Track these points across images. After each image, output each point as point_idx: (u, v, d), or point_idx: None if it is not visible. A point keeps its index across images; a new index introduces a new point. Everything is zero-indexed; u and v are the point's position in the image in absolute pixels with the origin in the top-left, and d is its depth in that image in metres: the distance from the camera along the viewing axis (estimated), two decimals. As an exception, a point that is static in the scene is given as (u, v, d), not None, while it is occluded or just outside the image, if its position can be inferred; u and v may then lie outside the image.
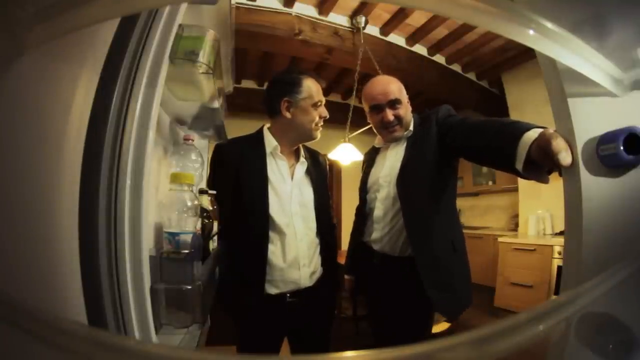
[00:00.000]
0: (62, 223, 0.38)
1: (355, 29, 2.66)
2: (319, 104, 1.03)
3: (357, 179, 1.34)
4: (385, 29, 2.81)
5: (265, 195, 0.98)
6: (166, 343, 0.64)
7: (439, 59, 3.28)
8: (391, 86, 1.12)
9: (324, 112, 1.04)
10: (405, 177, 1.09)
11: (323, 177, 1.18)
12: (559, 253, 2.71)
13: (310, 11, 2.53)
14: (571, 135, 0.49)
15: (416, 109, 1.21)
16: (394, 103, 1.11)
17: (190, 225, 0.71)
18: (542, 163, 0.61)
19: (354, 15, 2.63)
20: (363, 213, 1.25)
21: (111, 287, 0.45)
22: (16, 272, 0.31)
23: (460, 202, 3.96)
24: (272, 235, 0.97)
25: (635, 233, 0.43)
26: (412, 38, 2.95)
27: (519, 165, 0.67)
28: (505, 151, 0.70)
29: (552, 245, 2.78)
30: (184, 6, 0.56)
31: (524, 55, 3.08)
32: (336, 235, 1.24)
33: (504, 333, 0.22)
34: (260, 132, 1.08)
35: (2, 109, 0.30)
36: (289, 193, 1.02)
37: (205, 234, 0.86)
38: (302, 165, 1.08)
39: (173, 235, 0.66)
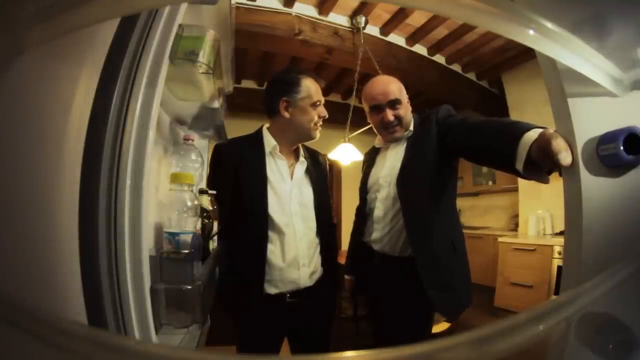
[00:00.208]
0: (62, 223, 0.38)
1: (355, 29, 2.66)
2: (318, 103, 1.03)
3: (357, 179, 1.34)
4: (385, 29, 2.81)
5: (265, 194, 0.98)
6: (166, 343, 0.64)
7: (439, 59, 3.28)
8: (391, 86, 1.12)
9: (323, 112, 1.04)
10: (405, 177, 1.09)
11: (323, 177, 1.18)
12: (559, 253, 2.71)
13: (310, 11, 2.53)
14: (571, 135, 0.49)
15: (416, 109, 1.21)
16: (394, 103, 1.11)
17: (190, 225, 0.71)
18: (542, 163, 0.61)
19: (354, 15, 2.63)
20: (363, 213, 1.25)
21: (111, 287, 0.45)
22: (16, 272, 0.31)
23: (460, 202, 3.96)
24: (272, 234, 0.97)
25: (635, 233, 0.43)
26: (412, 38, 2.95)
27: (519, 166, 0.67)
28: (505, 151, 0.70)
29: (552, 245, 2.78)
30: (184, 6, 0.56)
31: (524, 55, 3.08)
32: (336, 235, 1.24)
33: (504, 333, 0.22)
34: (259, 132, 1.08)
35: (2, 109, 0.30)
36: (288, 192, 1.02)
37: (205, 234, 0.85)
38: (301, 165, 1.08)
39: (173, 235, 0.66)
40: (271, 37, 2.42)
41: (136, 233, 0.46)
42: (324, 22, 2.59)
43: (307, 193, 1.07)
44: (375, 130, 1.22)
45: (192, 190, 0.75)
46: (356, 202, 1.32)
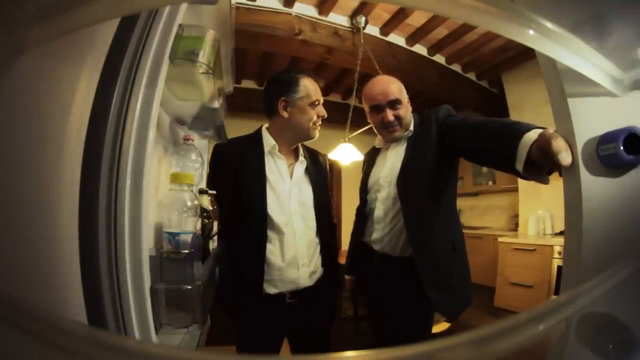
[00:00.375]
0: (62, 223, 0.38)
1: (355, 29, 2.66)
2: (317, 103, 1.02)
3: (357, 179, 1.34)
4: (385, 29, 2.81)
5: (264, 194, 0.98)
6: (166, 343, 0.64)
7: (439, 59, 3.28)
8: (391, 86, 1.12)
9: (322, 112, 1.04)
10: (405, 177, 1.09)
11: (323, 177, 1.18)
12: (559, 253, 2.71)
13: (310, 11, 2.53)
14: (571, 135, 0.49)
15: (416, 109, 1.21)
16: (394, 103, 1.11)
17: (190, 225, 0.71)
18: (542, 163, 0.61)
19: (354, 15, 2.63)
20: (363, 213, 1.25)
21: (111, 287, 0.45)
22: (16, 272, 0.31)
23: (460, 202, 3.96)
24: (271, 234, 0.97)
25: (635, 233, 0.43)
26: (412, 38, 2.95)
27: (519, 166, 0.67)
28: (505, 152, 0.70)
29: (552, 245, 2.78)
30: (184, 6, 0.56)
31: (524, 55, 3.08)
32: (337, 235, 1.24)
33: (504, 333, 0.22)
34: (258, 132, 1.08)
35: (2, 109, 0.30)
36: (287, 192, 1.02)
37: (205, 234, 0.85)
38: (301, 165, 1.08)
39: (173, 235, 0.66)
40: (271, 37, 2.42)
41: (136, 233, 0.46)
42: (324, 22, 2.59)
43: (307, 192, 1.07)
44: (375, 130, 1.22)
45: (192, 190, 0.75)
46: (356, 202, 1.32)
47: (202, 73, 0.66)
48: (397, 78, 1.18)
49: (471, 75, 3.65)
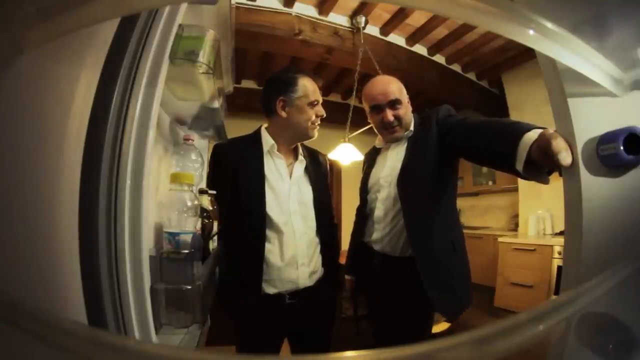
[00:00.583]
0: (62, 223, 0.38)
1: (355, 29, 2.66)
2: (316, 102, 1.02)
3: (357, 179, 1.34)
4: (385, 29, 2.81)
5: (262, 193, 0.98)
6: (166, 343, 0.64)
7: (439, 59, 3.28)
8: (391, 86, 1.12)
9: (321, 111, 1.04)
10: (405, 177, 1.09)
11: (323, 176, 1.18)
12: (559, 253, 2.71)
13: (310, 11, 2.53)
14: (571, 135, 0.49)
15: (416, 109, 1.21)
16: (394, 103, 1.11)
17: (190, 225, 0.71)
18: (542, 163, 0.61)
19: (354, 15, 2.63)
20: (364, 213, 1.25)
21: (111, 287, 0.45)
22: (16, 272, 0.31)
23: (460, 202, 3.96)
24: (270, 233, 0.97)
25: (635, 233, 0.43)
26: (412, 38, 2.95)
27: (519, 166, 0.67)
28: (505, 152, 0.70)
29: (552, 245, 2.78)
30: (184, 6, 0.56)
31: (524, 55, 3.07)
32: (337, 235, 1.23)
33: (504, 333, 0.22)
34: (257, 132, 1.08)
35: (2, 109, 0.30)
36: (287, 191, 1.02)
37: (205, 234, 0.85)
38: (300, 164, 1.08)
39: (173, 235, 0.66)
40: (271, 37, 2.42)
41: (136, 233, 0.46)
42: (324, 22, 2.59)
43: (307, 192, 1.07)
44: (375, 130, 1.22)
45: (192, 190, 0.75)
46: (356, 202, 1.32)
47: (202, 73, 0.66)
48: (397, 78, 1.18)
49: (471, 75, 3.65)
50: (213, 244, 0.93)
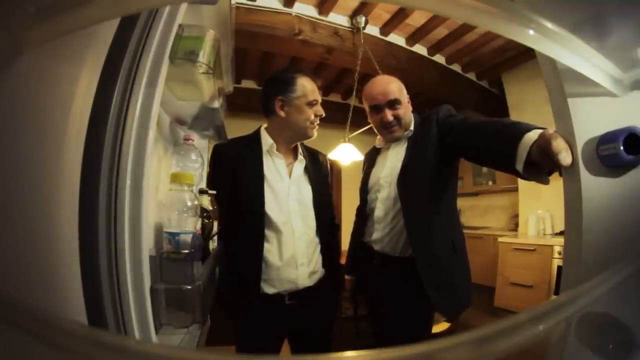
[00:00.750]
0: (62, 223, 0.38)
1: (355, 29, 2.66)
2: (314, 102, 1.02)
3: (357, 179, 1.34)
4: (385, 29, 2.81)
5: (261, 193, 0.98)
6: (166, 343, 0.64)
7: (439, 59, 3.28)
8: (391, 86, 1.12)
9: (320, 111, 1.03)
10: (405, 177, 1.09)
11: (323, 176, 1.17)
12: (559, 253, 2.71)
13: (310, 11, 2.53)
14: (571, 135, 0.49)
15: (416, 109, 1.21)
16: (393, 103, 1.11)
17: (190, 225, 0.71)
18: (542, 164, 0.61)
19: (354, 15, 2.63)
20: (364, 213, 1.25)
21: (111, 287, 0.45)
22: (16, 272, 0.31)
23: (460, 202, 3.95)
24: (269, 233, 0.97)
25: (635, 233, 0.43)
26: (412, 38, 2.95)
27: (520, 166, 0.67)
28: (505, 152, 0.70)
29: (552, 245, 2.78)
30: (184, 6, 0.56)
31: (524, 55, 3.07)
32: (338, 236, 1.23)
33: (504, 333, 0.22)
34: (257, 133, 1.08)
35: (2, 109, 0.30)
36: (286, 190, 1.02)
37: (205, 234, 0.85)
38: (300, 163, 1.08)
39: (173, 235, 0.66)
40: (271, 37, 2.42)
41: (136, 233, 0.46)
42: (324, 22, 2.59)
43: (306, 191, 1.07)
44: (375, 130, 1.22)
45: (192, 190, 0.75)
46: (356, 202, 1.32)
47: (202, 73, 0.66)
48: (397, 78, 1.18)
49: (471, 75, 3.65)
50: (213, 244, 0.93)
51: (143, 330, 0.47)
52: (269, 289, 0.96)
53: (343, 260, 1.39)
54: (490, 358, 0.22)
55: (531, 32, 0.33)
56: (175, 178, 0.73)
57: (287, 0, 2.42)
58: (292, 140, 1.08)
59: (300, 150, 1.10)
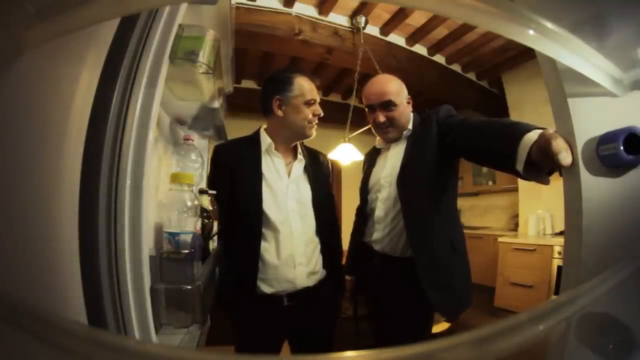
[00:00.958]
0: (62, 223, 0.38)
1: (355, 29, 2.66)
2: (312, 102, 1.02)
3: (357, 179, 1.34)
4: (385, 29, 2.81)
5: (260, 192, 0.97)
6: (166, 343, 0.64)
7: (439, 59, 3.28)
8: (387, 87, 1.11)
9: (318, 110, 1.03)
10: (405, 177, 1.08)
11: (324, 176, 1.17)
12: (559, 253, 2.71)
13: (310, 11, 2.53)
14: (571, 135, 0.49)
15: (416, 109, 1.21)
16: (386, 105, 1.10)
17: (190, 225, 0.71)
18: (542, 164, 0.61)
19: (354, 15, 2.63)
20: (364, 213, 1.24)
21: (111, 287, 0.45)
22: (16, 272, 0.31)
23: (460, 202, 3.93)
24: (266, 232, 0.97)
25: (635, 233, 0.43)
26: (412, 38, 2.95)
27: (520, 167, 0.67)
28: (505, 152, 0.70)
29: (552, 245, 2.78)
30: (184, 6, 0.56)
31: (524, 55, 3.07)
32: (339, 236, 1.22)
33: (504, 333, 0.22)
34: (257, 133, 1.08)
35: (2, 109, 0.30)
36: (284, 190, 1.02)
37: (205, 234, 0.86)
38: (299, 163, 1.08)
39: (173, 235, 0.66)
40: (271, 37, 2.42)
41: (136, 233, 0.46)
42: (324, 22, 2.59)
43: (305, 191, 1.06)
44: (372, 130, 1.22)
45: (192, 190, 0.75)
46: (356, 202, 1.32)
47: (202, 73, 0.66)
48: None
49: (471, 75, 3.65)
50: (213, 244, 0.93)
51: (143, 330, 0.47)
52: (266, 289, 0.96)
53: (343, 261, 1.39)
54: (490, 358, 0.22)
55: (531, 32, 0.33)
56: (175, 178, 0.73)
57: (287, 0, 2.42)
58: (290, 140, 1.08)
59: (300, 150, 1.10)
